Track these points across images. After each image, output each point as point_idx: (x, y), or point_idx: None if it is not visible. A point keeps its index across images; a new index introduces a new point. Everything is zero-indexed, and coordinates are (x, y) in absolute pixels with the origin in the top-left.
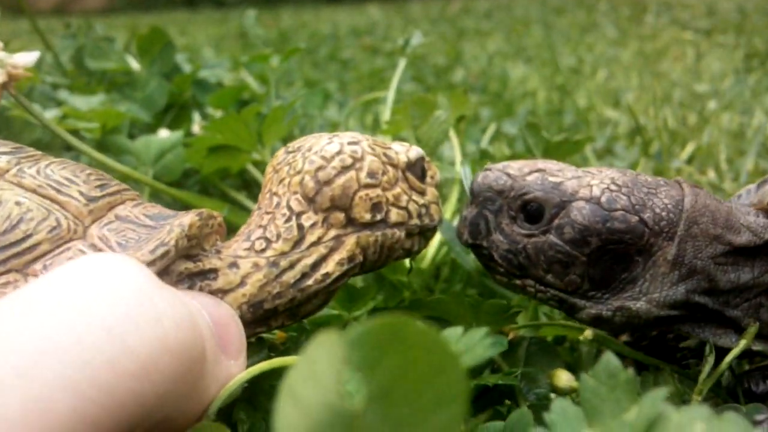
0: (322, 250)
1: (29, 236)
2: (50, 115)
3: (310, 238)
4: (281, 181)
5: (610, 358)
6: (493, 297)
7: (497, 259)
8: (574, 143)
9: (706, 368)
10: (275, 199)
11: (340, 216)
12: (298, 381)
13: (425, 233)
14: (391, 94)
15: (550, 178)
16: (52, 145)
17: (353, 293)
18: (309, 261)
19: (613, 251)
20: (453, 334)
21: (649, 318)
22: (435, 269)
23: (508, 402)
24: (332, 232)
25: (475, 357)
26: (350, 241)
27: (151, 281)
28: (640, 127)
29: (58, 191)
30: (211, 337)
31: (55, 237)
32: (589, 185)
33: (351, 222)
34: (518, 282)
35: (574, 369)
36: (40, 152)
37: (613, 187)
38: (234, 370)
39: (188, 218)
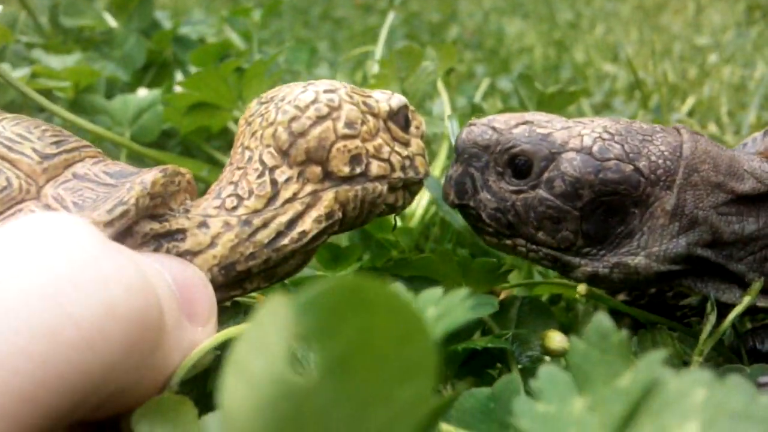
0: (297, 206)
1: None
2: (20, 74)
3: (285, 194)
4: (253, 133)
5: (601, 319)
6: (485, 256)
7: (485, 218)
8: (569, 94)
9: (708, 327)
10: (247, 154)
11: (317, 170)
12: (245, 351)
13: (410, 187)
14: (379, 49)
15: (538, 130)
16: (25, 106)
17: (338, 252)
18: (284, 219)
19: (607, 204)
20: (432, 295)
21: (648, 274)
22: (424, 228)
23: (499, 365)
24: (308, 188)
25: (453, 321)
26: (328, 197)
27: (98, 242)
28: (638, 80)
29: (9, 148)
30: (171, 301)
31: (5, 198)
32: (580, 135)
33: (328, 176)
34: (508, 242)
35: (569, 330)
36: None
37: (605, 135)
38: (201, 337)
39: (151, 175)
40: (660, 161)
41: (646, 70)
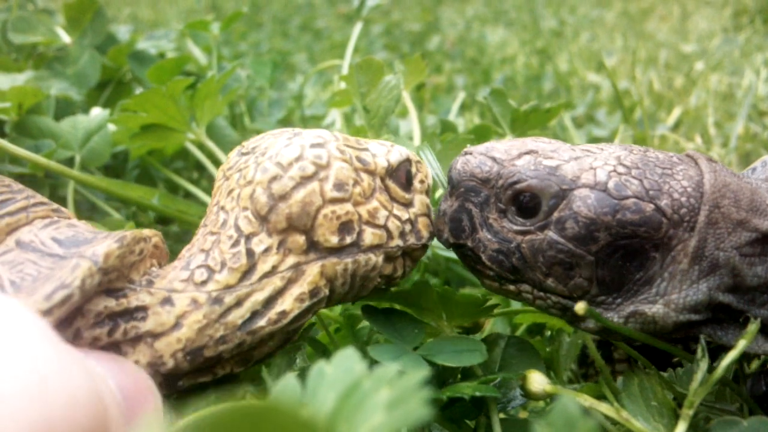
0: (277, 282)
1: None
2: None
3: (263, 267)
4: (230, 192)
5: (566, 404)
6: (461, 284)
7: (485, 261)
8: (545, 112)
9: (699, 374)
10: (222, 216)
11: (300, 239)
12: None
13: (411, 254)
14: (347, 63)
15: (545, 162)
16: None
17: None
18: (261, 296)
19: (625, 247)
20: (386, 373)
21: (666, 324)
22: None
23: (478, 417)
24: (290, 260)
25: (405, 417)
26: (313, 271)
27: (43, 342)
28: (619, 94)
29: None
30: (116, 414)
31: None
32: (592, 168)
33: (313, 246)
34: (512, 288)
35: (552, 364)
36: None
37: (620, 168)
38: None
39: (104, 246)
40: (683, 199)
41: (631, 80)
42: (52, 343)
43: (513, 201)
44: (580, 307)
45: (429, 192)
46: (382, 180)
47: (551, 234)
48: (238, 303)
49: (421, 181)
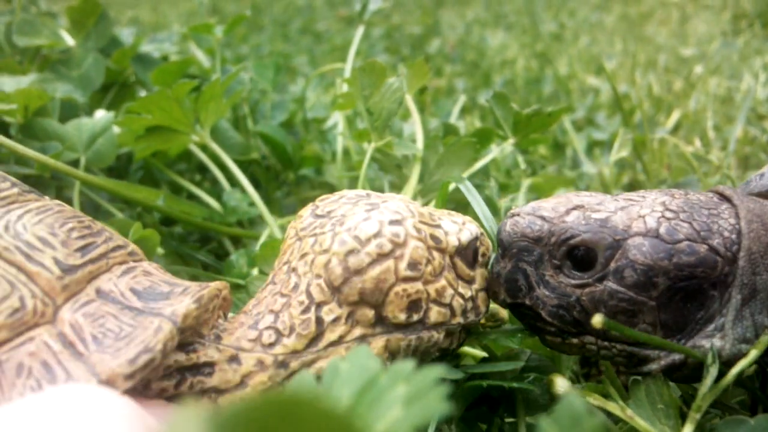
0: (342, 352)
1: None
2: None
3: (330, 336)
4: (303, 255)
5: (572, 402)
6: None
7: (546, 317)
8: (548, 115)
9: (708, 381)
10: (293, 279)
11: (369, 313)
12: None
13: (468, 328)
14: (349, 66)
15: (594, 215)
16: None
17: None
18: (325, 364)
19: (684, 289)
20: (402, 370)
21: (723, 357)
22: None
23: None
24: (357, 331)
25: (424, 411)
26: (378, 344)
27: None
28: (618, 97)
29: (28, 257)
30: None
31: (16, 322)
32: (641, 216)
33: (381, 321)
34: (575, 341)
35: (555, 364)
36: (16, 189)
37: (668, 214)
38: None
39: (183, 306)
40: (733, 236)
41: (631, 83)
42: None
43: (568, 256)
44: (597, 320)
45: (488, 264)
46: (451, 257)
47: (610, 284)
48: (303, 369)
49: (483, 255)
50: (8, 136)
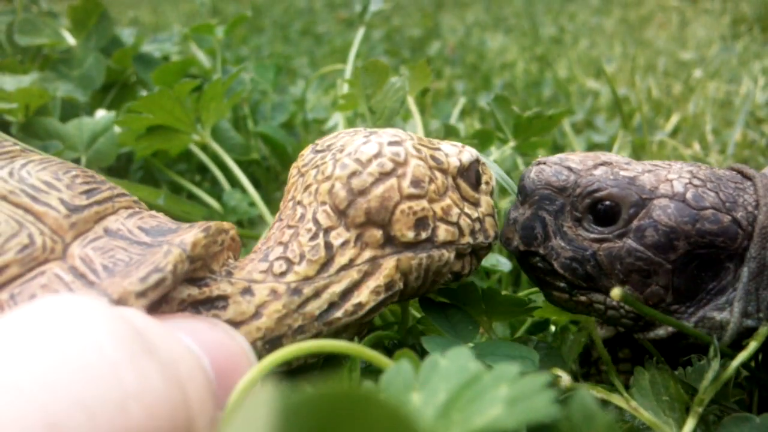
0: (354, 274)
1: None
2: None
3: (340, 260)
4: (307, 187)
5: (584, 397)
6: (462, 286)
7: (557, 268)
8: (548, 118)
9: (710, 374)
10: (299, 210)
11: (377, 234)
12: None
13: (478, 252)
14: (350, 67)
15: (622, 173)
16: None
17: None
18: (338, 288)
19: (701, 257)
20: (506, 372)
21: (732, 331)
22: None
23: None
24: (367, 253)
25: (531, 413)
26: (389, 265)
27: (121, 342)
28: (618, 100)
29: (34, 199)
30: (206, 400)
31: (26, 258)
32: (668, 180)
33: (390, 241)
34: (583, 298)
35: None
36: (18, 147)
37: (695, 181)
38: None
39: (191, 235)
40: (756, 212)
41: (630, 86)
42: (128, 346)
43: (590, 209)
44: (616, 293)
45: (493, 193)
46: (454, 179)
47: (630, 242)
48: (316, 294)
49: (486, 183)
50: (9, 134)
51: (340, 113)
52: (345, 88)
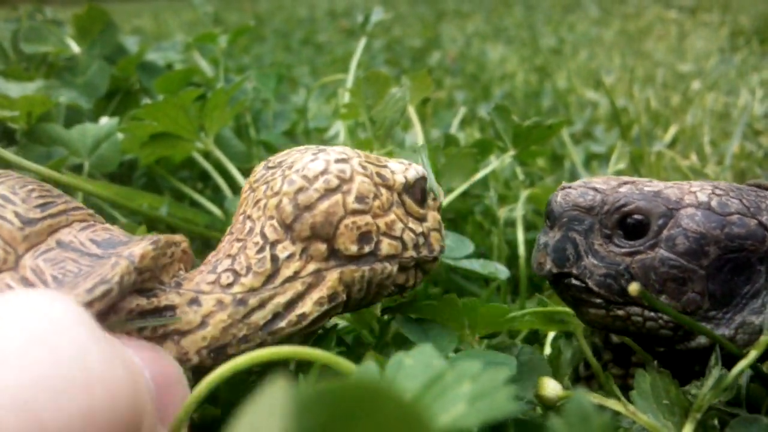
0: (298, 286)
1: None
2: None
3: (285, 272)
4: (257, 202)
5: (581, 401)
6: (461, 295)
7: (592, 286)
8: (548, 128)
9: (710, 381)
10: (248, 224)
11: (322, 247)
12: None
13: (423, 266)
14: (351, 76)
15: (647, 188)
16: None
17: None
18: (282, 299)
19: (733, 261)
20: (469, 368)
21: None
22: None
23: None
24: (311, 266)
25: (492, 410)
26: (332, 277)
27: (87, 332)
28: (617, 111)
29: None
30: (150, 404)
31: None
32: (692, 192)
33: (334, 254)
34: (620, 312)
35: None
36: None
37: (718, 191)
38: None
39: (140, 247)
40: None
41: (629, 97)
42: (94, 333)
43: (620, 224)
44: (633, 288)
45: (440, 209)
46: (399, 195)
47: (662, 251)
48: (261, 305)
49: (434, 199)
50: (13, 141)
51: (342, 122)
52: (346, 98)
